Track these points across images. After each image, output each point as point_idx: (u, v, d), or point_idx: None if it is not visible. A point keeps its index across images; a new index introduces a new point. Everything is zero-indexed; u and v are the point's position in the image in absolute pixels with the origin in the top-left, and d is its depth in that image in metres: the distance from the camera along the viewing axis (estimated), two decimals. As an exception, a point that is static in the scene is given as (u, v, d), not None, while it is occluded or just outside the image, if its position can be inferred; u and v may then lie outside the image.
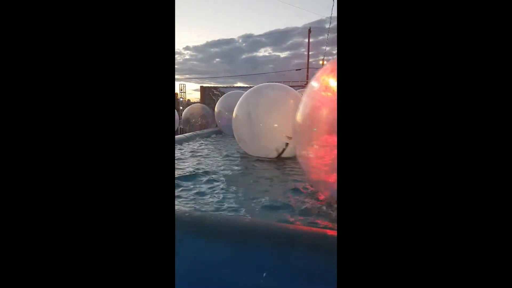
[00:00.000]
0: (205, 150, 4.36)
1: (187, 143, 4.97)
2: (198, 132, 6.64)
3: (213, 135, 6.48)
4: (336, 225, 1.05)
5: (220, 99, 7.30)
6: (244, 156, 3.79)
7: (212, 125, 7.86)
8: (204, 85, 14.35)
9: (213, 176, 2.74)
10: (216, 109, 7.12)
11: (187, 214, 1.34)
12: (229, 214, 1.85)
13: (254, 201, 2.07)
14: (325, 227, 1.56)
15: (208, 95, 12.63)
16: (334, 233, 1.07)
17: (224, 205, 2.01)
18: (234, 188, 2.43)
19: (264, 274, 0.95)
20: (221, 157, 3.84)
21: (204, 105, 9.95)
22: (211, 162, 3.48)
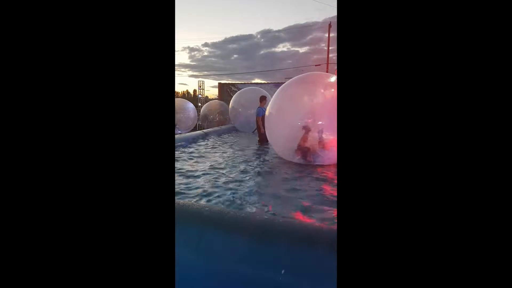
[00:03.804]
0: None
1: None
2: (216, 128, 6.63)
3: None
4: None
5: (235, 96, 7.23)
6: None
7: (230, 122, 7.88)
8: (222, 81, 14.44)
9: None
10: (230, 105, 7.05)
11: (206, 208, 1.36)
12: (248, 210, 1.86)
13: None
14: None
15: (226, 92, 12.73)
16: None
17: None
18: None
19: (283, 271, 0.95)
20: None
21: (222, 102, 10.00)
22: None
